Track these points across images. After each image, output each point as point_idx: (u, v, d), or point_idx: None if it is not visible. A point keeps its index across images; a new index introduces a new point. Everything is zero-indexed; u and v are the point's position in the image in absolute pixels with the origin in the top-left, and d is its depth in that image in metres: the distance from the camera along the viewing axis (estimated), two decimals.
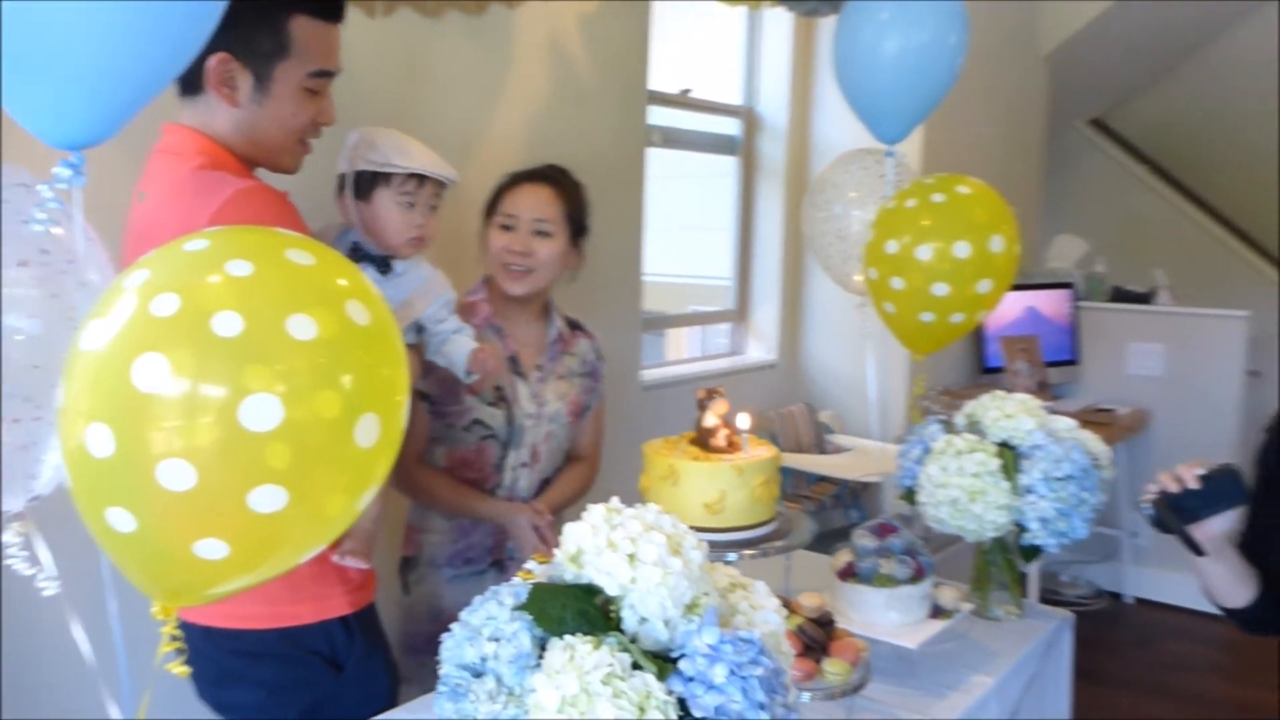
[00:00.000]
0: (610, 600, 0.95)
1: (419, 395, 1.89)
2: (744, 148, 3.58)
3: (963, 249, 1.98)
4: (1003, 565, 1.88)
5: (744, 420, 1.59)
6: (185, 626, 1.19)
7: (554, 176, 2.01)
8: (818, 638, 1.38)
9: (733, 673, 0.89)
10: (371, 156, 1.60)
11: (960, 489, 1.70)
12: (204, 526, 0.98)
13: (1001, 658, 1.72)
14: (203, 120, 1.39)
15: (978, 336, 3.91)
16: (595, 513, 0.99)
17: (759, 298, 3.68)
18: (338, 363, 0.99)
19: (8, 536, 1.13)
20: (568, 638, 0.91)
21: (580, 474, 2.11)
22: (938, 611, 1.63)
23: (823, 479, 3.19)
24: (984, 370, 3.91)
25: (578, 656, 0.88)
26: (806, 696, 1.32)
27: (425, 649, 1.95)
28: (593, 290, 2.60)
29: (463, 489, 1.97)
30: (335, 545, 1.39)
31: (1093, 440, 1.80)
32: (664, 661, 0.92)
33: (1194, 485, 1.50)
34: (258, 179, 1.38)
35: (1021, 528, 1.73)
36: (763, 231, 3.65)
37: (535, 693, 0.88)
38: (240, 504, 0.96)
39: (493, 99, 2.48)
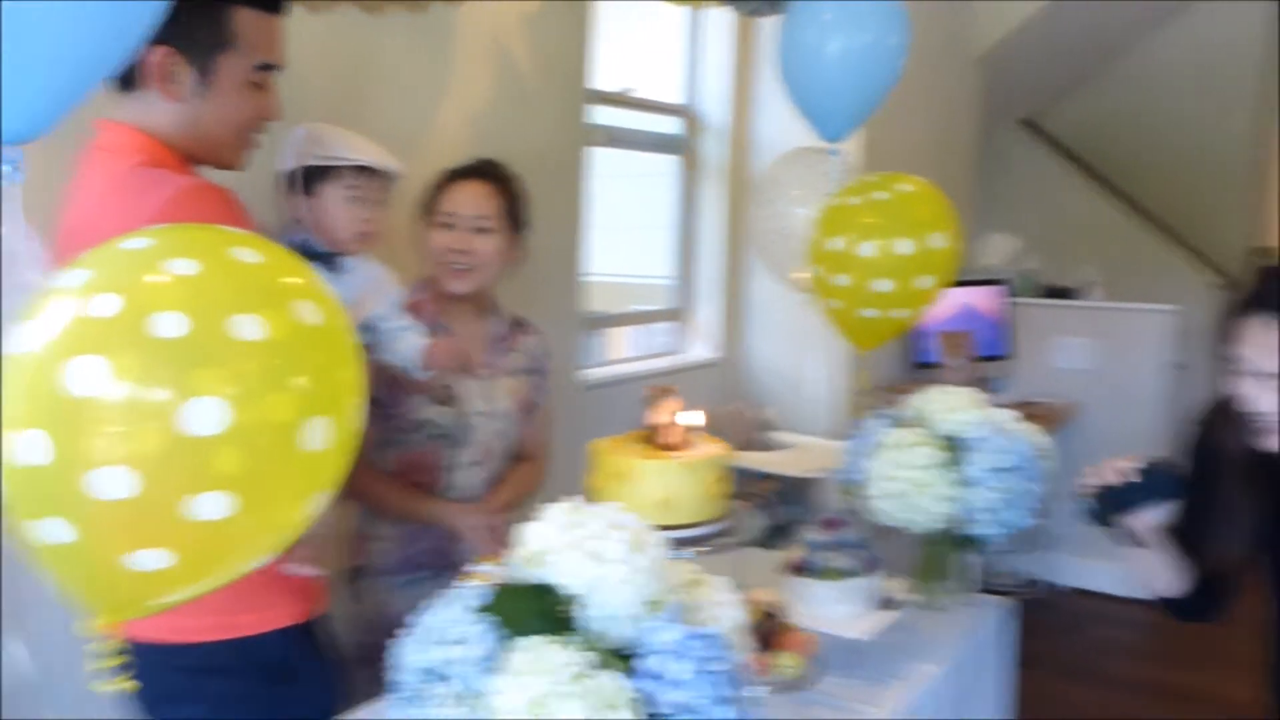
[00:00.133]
0: (569, 600, 0.95)
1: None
2: (685, 147, 3.60)
3: (905, 246, 2.01)
4: (946, 556, 1.91)
5: (695, 418, 1.60)
6: (126, 643, 1.16)
7: (490, 172, 1.99)
8: (770, 632, 1.39)
9: (697, 669, 0.89)
10: (316, 151, 1.58)
11: (908, 481, 1.73)
12: (145, 536, 0.95)
13: (948, 647, 1.75)
14: (140, 116, 1.35)
15: (913, 332, 3.98)
16: (556, 512, 0.99)
17: (700, 296, 3.70)
18: (288, 364, 0.96)
19: None
20: (531, 638, 0.90)
21: (529, 473, 2.09)
22: (886, 603, 1.66)
23: (766, 476, 3.21)
24: (920, 366, 3.98)
25: (543, 657, 0.87)
26: (756, 690, 1.33)
27: (375, 659, 1.92)
28: (535, 289, 2.58)
29: (411, 493, 1.94)
30: (286, 552, 1.36)
31: (1033, 431, 1.84)
32: (627, 659, 0.92)
33: (1131, 478, 1.54)
34: (200, 176, 1.34)
35: (966, 518, 1.76)
36: (704, 230, 3.66)
37: (499, 695, 0.88)
38: (183, 512, 0.93)
39: (435, 97, 2.45)
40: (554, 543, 0.95)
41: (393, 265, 1.78)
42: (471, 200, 1.94)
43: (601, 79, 3.03)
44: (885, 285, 2.02)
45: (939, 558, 1.90)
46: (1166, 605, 1.66)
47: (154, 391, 0.91)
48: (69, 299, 0.93)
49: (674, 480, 1.52)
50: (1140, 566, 1.62)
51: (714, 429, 1.72)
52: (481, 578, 1.06)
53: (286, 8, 1.44)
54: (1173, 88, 5.34)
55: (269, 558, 1.03)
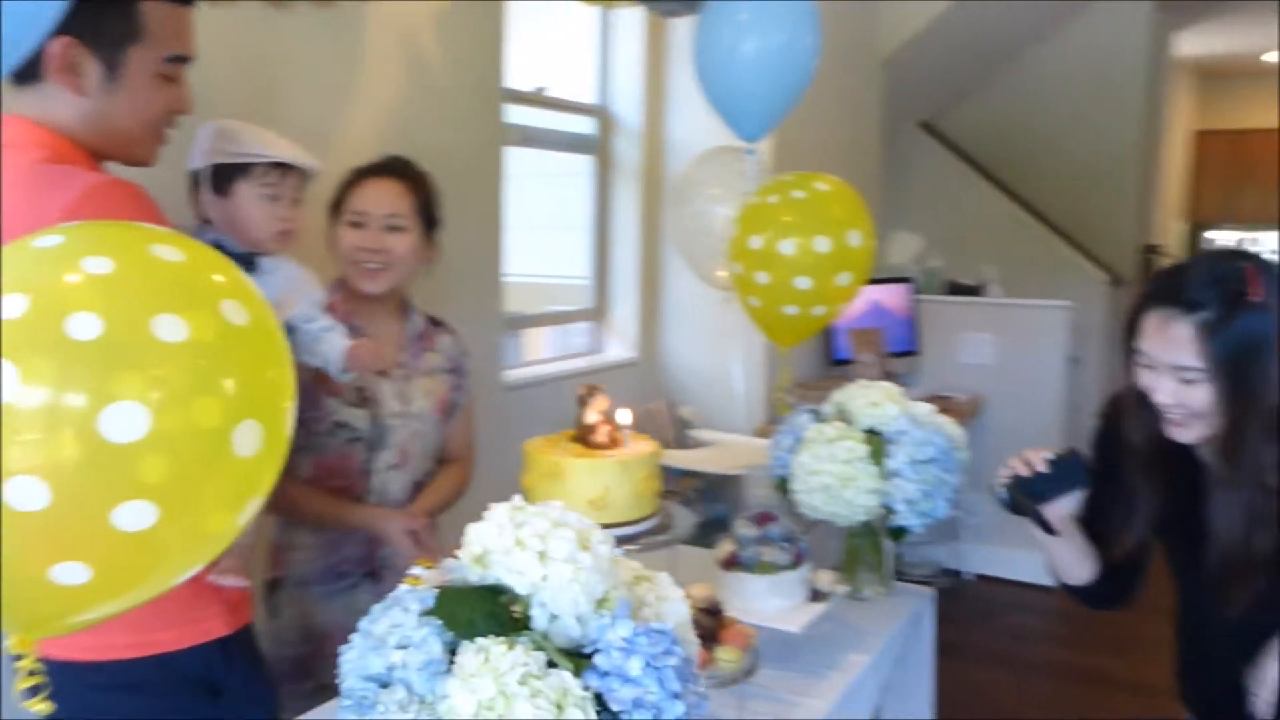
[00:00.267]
0: (515, 600, 0.93)
1: None
2: (599, 147, 3.59)
3: (823, 243, 2.04)
4: (869, 547, 1.95)
5: (625, 416, 1.59)
6: (42, 662, 1.10)
7: (400, 169, 1.95)
8: (709, 627, 1.39)
9: (648, 664, 0.89)
10: (229, 148, 1.52)
11: (832, 475, 1.76)
12: (63, 549, 0.90)
13: (873, 636, 1.79)
14: (42, 110, 1.28)
15: (826, 330, 4.05)
16: (499, 512, 0.97)
17: (617, 296, 3.70)
18: (213, 367, 0.92)
19: None
20: (479, 640, 0.88)
21: (454, 476, 2.06)
22: (815, 595, 1.68)
23: (687, 473, 3.23)
24: (833, 363, 4.05)
25: (492, 658, 0.86)
26: (702, 685, 1.33)
27: (297, 674, 1.86)
28: (453, 291, 2.55)
29: (330, 498, 1.89)
30: (211, 563, 1.30)
31: (949, 424, 1.89)
32: (577, 658, 0.91)
33: (1042, 468, 1.58)
34: (109, 172, 1.28)
35: (889, 510, 1.80)
36: (619, 230, 3.67)
37: (448, 698, 0.86)
38: (102, 523, 0.89)
39: (345, 95, 2.39)
40: (499, 543, 0.93)
41: (308, 265, 1.73)
42: (383, 198, 1.90)
43: (515, 78, 3.01)
44: (805, 283, 2.05)
45: (863, 549, 1.94)
46: (1076, 593, 1.71)
47: (69, 397, 0.86)
48: None
49: (607, 478, 1.51)
50: (1052, 555, 1.67)
51: (633, 428, 1.72)
52: (419, 581, 1.03)
53: None
54: (1063, 94, 5.56)
55: (197, 570, 0.99)
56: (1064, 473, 1.57)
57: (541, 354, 3.65)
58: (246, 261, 1.55)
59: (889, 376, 4.00)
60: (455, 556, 1.06)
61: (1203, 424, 1.46)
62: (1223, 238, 8.59)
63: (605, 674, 0.89)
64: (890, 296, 4.22)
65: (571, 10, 3.44)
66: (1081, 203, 5.60)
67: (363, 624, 0.96)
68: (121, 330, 0.88)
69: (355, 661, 0.92)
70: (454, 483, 2.05)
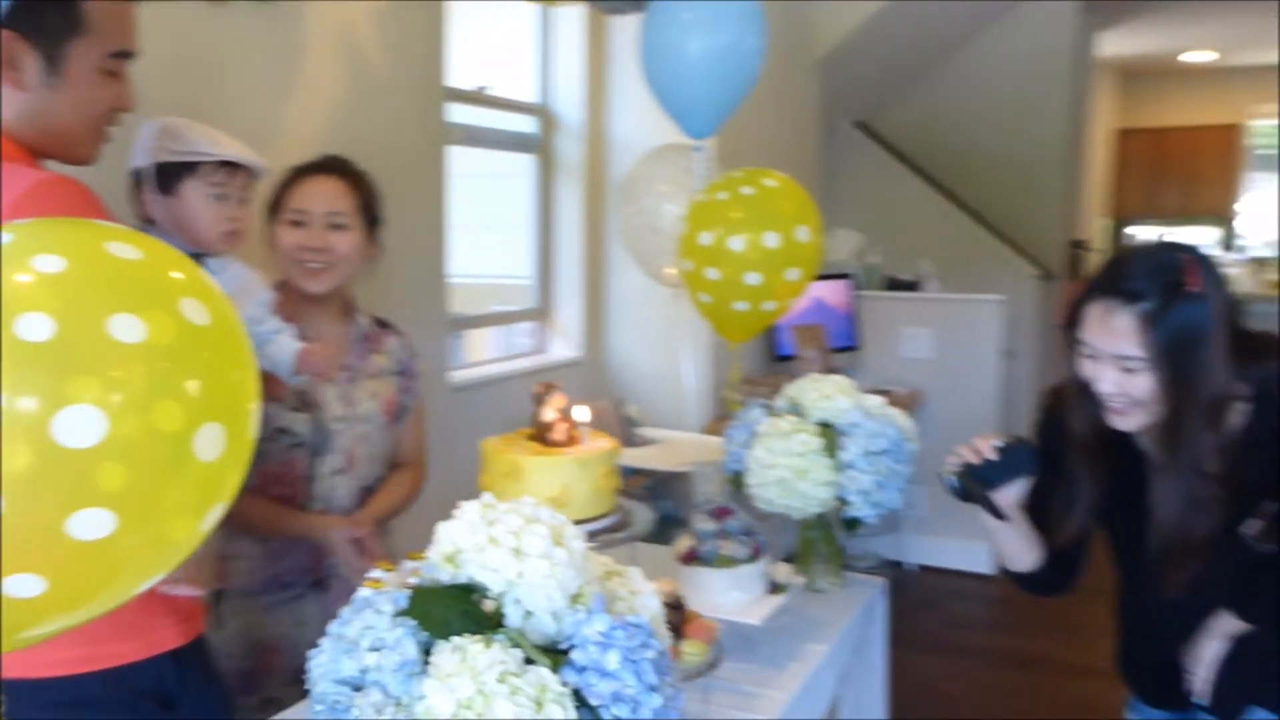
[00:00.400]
0: (486, 598, 0.93)
1: None
2: (541, 146, 3.58)
3: (772, 239, 2.06)
4: (823, 539, 1.98)
5: (583, 413, 1.59)
6: None
7: (340, 167, 1.92)
8: (673, 621, 1.40)
9: (625, 658, 0.89)
10: (175, 146, 1.48)
11: (787, 468, 1.77)
12: (14, 560, 0.87)
13: (830, 626, 1.81)
14: None
15: (769, 327, 4.09)
16: (469, 510, 0.96)
17: (561, 295, 3.69)
18: (174, 368, 0.90)
19: None
20: (455, 639, 0.87)
21: (405, 480, 2.02)
22: (774, 587, 1.70)
23: (635, 472, 3.23)
24: (777, 359, 4.09)
25: (469, 657, 0.85)
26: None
27: (243, 687, 1.81)
28: (396, 292, 2.52)
29: (272, 507, 1.84)
30: None
31: (900, 416, 1.92)
32: (553, 654, 0.90)
33: (991, 456, 1.61)
34: (53, 170, 1.24)
35: (843, 501, 1.82)
36: (562, 229, 3.66)
37: (425, 699, 0.85)
38: (57, 532, 0.86)
39: (284, 93, 2.35)
40: (471, 541, 0.93)
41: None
42: (323, 196, 1.86)
43: (456, 76, 2.98)
44: (755, 278, 2.07)
45: (817, 541, 1.96)
46: (1020, 579, 1.74)
47: (20, 401, 0.83)
48: None
49: (566, 476, 1.51)
50: (999, 543, 1.70)
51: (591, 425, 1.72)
52: (380, 584, 1.02)
53: None
54: (992, 93, 5.69)
55: (158, 579, 0.96)
56: (1012, 460, 1.60)
57: (485, 355, 3.63)
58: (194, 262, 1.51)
59: (832, 372, 4.05)
60: (394, 568, 1.05)
61: (1143, 413, 1.50)
62: (1144, 232, 8.86)
63: (583, 669, 0.88)
64: (831, 293, 4.28)
65: (511, 9, 3.43)
66: (1011, 199, 5.74)
67: (332, 627, 0.94)
68: (75, 331, 0.85)
69: (327, 665, 0.91)
70: (404, 488, 2.01)
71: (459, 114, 3.07)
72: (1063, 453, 1.63)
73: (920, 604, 4.12)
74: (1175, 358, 1.43)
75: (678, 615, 1.42)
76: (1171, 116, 8.82)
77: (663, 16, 2.17)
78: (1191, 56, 8.18)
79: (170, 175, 1.51)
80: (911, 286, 4.68)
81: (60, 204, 1.13)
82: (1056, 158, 5.77)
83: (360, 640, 0.89)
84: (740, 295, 2.09)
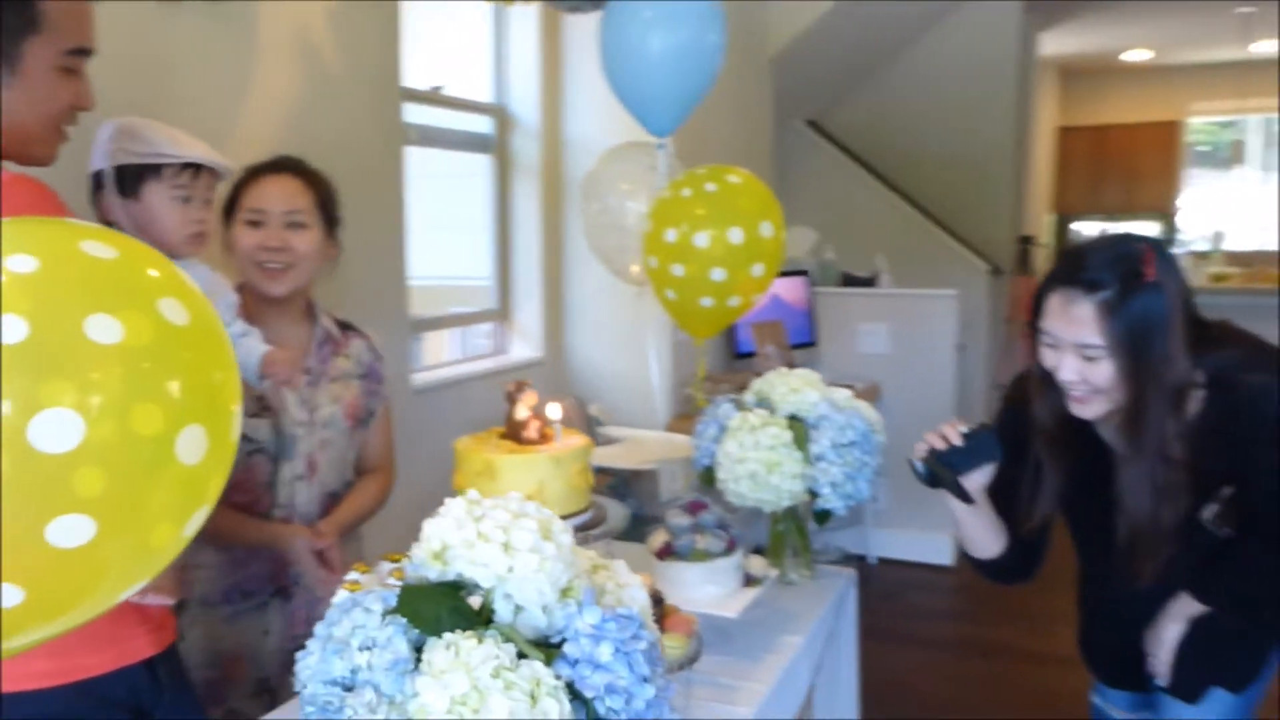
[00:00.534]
0: (473, 594, 0.92)
1: None
2: (497, 146, 3.56)
3: (736, 235, 2.07)
4: (793, 532, 1.99)
5: (555, 410, 1.59)
6: None
7: (296, 166, 1.89)
8: (654, 615, 1.40)
9: (618, 650, 0.89)
10: (136, 148, 1.45)
11: (758, 462, 1.78)
12: None
13: (803, 618, 1.82)
14: None
15: (730, 323, 4.11)
16: (455, 506, 0.96)
17: (520, 296, 3.68)
18: (153, 370, 0.88)
19: None
20: (446, 636, 0.87)
21: (372, 486, 1.99)
22: (748, 580, 1.71)
23: (600, 470, 3.23)
24: (737, 355, 4.11)
25: (463, 653, 0.84)
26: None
27: (207, 698, 1.77)
28: (356, 294, 2.49)
29: (232, 515, 1.80)
30: None
31: (866, 408, 1.94)
32: (545, 648, 0.90)
33: (958, 442, 1.63)
34: (11, 169, 1.21)
35: (813, 494, 1.84)
36: (520, 229, 3.64)
37: (418, 697, 0.84)
38: (35, 540, 0.83)
39: (238, 93, 2.32)
40: (459, 537, 0.92)
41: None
42: (281, 195, 1.83)
43: (412, 76, 2.96)
44: (720, 274, 2.08)
45: (788, 534, 1.98)
46: (984, 567, 1.77)
47: None
48: None
49: (541, 473, 1.50)
50: (965, 529, 1.72)
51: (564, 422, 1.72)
52: (357, 586, 1.01)
53: None
54: (940, 92, 5.78)
55: (140, 587, 0.94)
56: (979, 446, 1.62)
57: (444, 357, 3.61)
58: None
59: (791, 368, 4.10)
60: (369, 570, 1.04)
61: (1104, 400, 1.53)
62: (1088, 228, 9.05)
63: (575, 662, 0.88)
64: (788, 289, 4.31)
65: (466, 8, 3.41)
66: (960, 196, 5.83)
67: (319, 628, 0.93)
68: (50, 332, 0.83)
69: (316, 666, 0.89)
70: (371, 493, 1.98)
71: (415, 114, 3.05)
72: (1027, 442, 1.66)
73: (883, 596, 4.16)
74: (1135, 345, 1.47)
75: (657, 610, 1.42)
76: (1111, 114, 9.03)
77: (623, 14, 2.17)
78: (1130, 55, 8.37)
79: (132, 177, 1.48)
80: (867, 282, 4.73)
81: (22, 203, 1.10)
82: (1003, 155, 5.87)
83: (350, 640, 0.88)
84: (706, 291, 2.10)
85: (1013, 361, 5.62)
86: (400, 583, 0.96)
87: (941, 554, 4.45)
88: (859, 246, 5.10)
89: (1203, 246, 8.89)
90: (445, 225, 3.73)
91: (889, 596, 4.16)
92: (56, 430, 0.82)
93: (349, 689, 0.87)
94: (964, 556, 1.81)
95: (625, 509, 1.66)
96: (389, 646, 0.86)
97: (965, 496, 1.65)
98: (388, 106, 2.79)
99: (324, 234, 1.87)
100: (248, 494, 1.81)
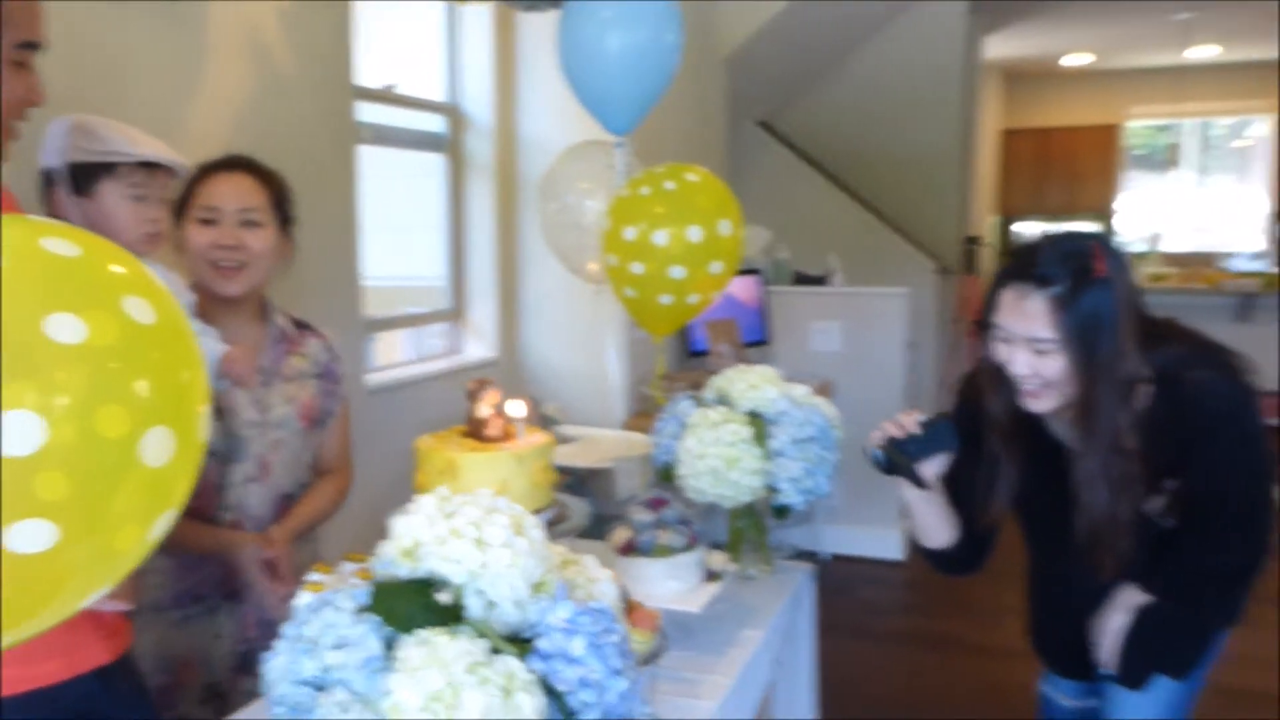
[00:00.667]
0: (443, 591, 0.92)
1: None
2: (451, 145, 3.55)
3: (695, 233, 2.09)
4: (752, 527, 2.01)
5: (518, 408, 1.59)
6: None
7: (249, 164, 1.87)
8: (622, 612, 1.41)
9: (591, 643, 0.89)
10: (91, 146, 1.42)
11: (718, 458, 1.80)
12: None
13: (763, 612, 1.84)
14: None
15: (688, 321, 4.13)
16: (426, 503, 0.96)
17: (475, 295, 3.66)
18: (118, 370, 0.87)
19: None
20: (419, 633, 0.87)
21: (329, 488, 1.96)
22: (709, 575, 1.72)
23: (557, 469, 3.23)
24: (691, 354, 4.13)
25: (437, 649, 0.84)
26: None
27: (158, 705, 1.74)
28: (309, 294, 2.46)
29: (180, 520, 1.76)
30: None
31: (825, 404, 1.97)
32: (518, 643, 0.91)
33: (915, 430, 1.66)
34: None
35: (773, 489, 1.85)
36: (475, 229, 3.63)
37: (393, 694, 0.84)
38: None
39: (188, 92, 2.28)
40: (431, 533, 0.92)
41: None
42: (235, 192, 1.80)
43: (366, 75, 2.93)
44: (679, 272, 2.09)
45: (747, 530, 2.00)
46: (934, 557, 1.80)
47: None
48: None
49: (504, 471, 1.50)
50: (919, 518, 1.75)
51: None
52: (320, 586, 1.00)
53: None
54: (887, 94, 5.86)
55: (104, 592, 0.92)
56: (935, 435, 1.65)
57: (397, 358, 3.58)
58: None
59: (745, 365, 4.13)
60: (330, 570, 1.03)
61: (1056, 394, 1.57)
62: (1030, 229, 9.24)
63: (549, 656, 0.89)
64: (742, 288, 4.34)
65: (419, 7, 3.39)
66: (908, 196, 5.92)
67: (288, 628, 0.92)
68: (11, 333, 0.82)
69: (285, 667, 0.89)
70: (328, 496, 1.96)
71: (368, 113, 3.02)
72: (980, 437, 1.70)
73: (836, 591, 4.21)
74: (1085, 339, 1.51)
75: (624, 605, 1.43)
76: (1053, 117, 9.23)
77: (581, 13, 2.18)
78: (1071, 60, 8.56)
79: (86, 176, 1.45)
80: (819, 281, 4.78)
81: None
82: (949, 157, 5.97)
83: (320, 639, 0.88)
84: (665, 289, 2.12)
85: (959, 360, 5.72)
86: (366, 582, 0.96)
87: (892, 549, 4.52)
88: (811, 246, 5.15)
89: (1140, 247, 9.12)
90: (399, 225, 3.70)
91: (842, 592, 4.21)
92: (17, 433, 0.80)
93: (320, 688, 0.87)
94: (915, 550, 1.84)
95: (587, 506, 1.67)
96: (362, 644, 0.86)
97: (921, 483, 1.67)
98: (340, 105, 2.76)
99: (279, 233, 1.85)
100: (195, 497, 1.75)
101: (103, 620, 1.31)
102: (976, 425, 1.69)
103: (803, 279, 4.80)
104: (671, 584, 1.63)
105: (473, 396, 1.57)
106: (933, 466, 1.67)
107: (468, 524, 0.92)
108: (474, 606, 0.91)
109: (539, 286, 3.69)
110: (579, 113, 2.46)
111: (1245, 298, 7.62)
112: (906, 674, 3.52)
